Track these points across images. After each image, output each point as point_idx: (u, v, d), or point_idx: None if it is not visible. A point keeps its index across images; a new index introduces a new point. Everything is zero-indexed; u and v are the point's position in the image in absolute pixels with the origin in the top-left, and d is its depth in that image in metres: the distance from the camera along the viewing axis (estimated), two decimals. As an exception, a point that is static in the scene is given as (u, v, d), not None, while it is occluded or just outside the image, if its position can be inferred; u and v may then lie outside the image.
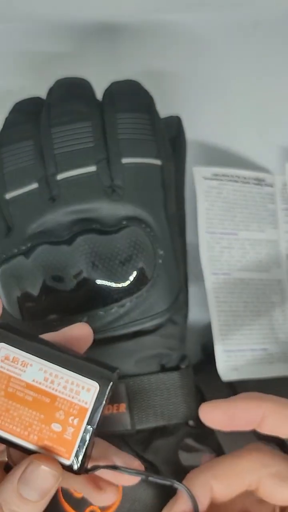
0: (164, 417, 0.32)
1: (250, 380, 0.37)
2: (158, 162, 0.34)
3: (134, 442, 0.33)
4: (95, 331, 0.32)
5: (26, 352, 0.25)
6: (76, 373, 0.25)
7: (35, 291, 0.32)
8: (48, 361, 0.25)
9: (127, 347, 0.33)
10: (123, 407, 0.32)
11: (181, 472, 0.32)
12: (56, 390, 0.25)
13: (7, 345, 0.25)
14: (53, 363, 0.25)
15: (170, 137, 0.40)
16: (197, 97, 0.46)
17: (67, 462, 0.25)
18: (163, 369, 0.34)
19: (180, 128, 0.41)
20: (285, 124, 0.46)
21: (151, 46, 0.47)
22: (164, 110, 0.38)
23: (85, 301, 0.32)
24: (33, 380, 0.25)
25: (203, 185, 0.40)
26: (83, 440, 0.25)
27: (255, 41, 0.48)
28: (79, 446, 0.25)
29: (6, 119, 0.37)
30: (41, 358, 0.25)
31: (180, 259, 0.35)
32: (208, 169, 0.41)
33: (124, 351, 0.33)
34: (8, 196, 0.34)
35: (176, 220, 0.36)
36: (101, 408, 0.25)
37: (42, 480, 0.24)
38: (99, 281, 0.32)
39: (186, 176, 0.40)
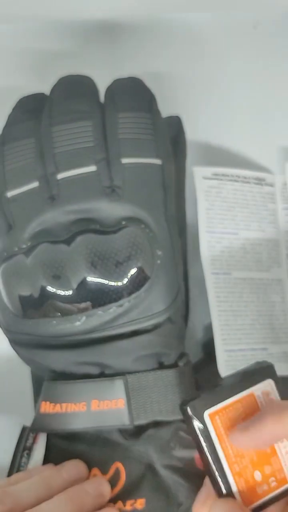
0: (162, 413, 0.32)
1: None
2: (158, 161, 0.34)
3: (126, 431, 0.33)
4: (93, 330, 0.32)
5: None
6: None
7: (35, 289, 0.32)
8: None
9: (125, 346, 0.33)
10: (121, 402, 0.32)
11: (172, 462, 0.32)
12: (279, 450, 0.28)
13: (273, 382, 0.28)
14: None
15: (171, 137, 0.40)
16: (197, 97, 0.46)
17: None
18: (161, 366, 0.34)
19: (180, 128, 0.41)
20: (285, 124, 0.46)
21: (151, 46, 0.47)
22: (164, 110, 0.38)
23: (83, 300, 0.32)
24: None
25: (203, 185, 0.41)
26: (266, 502, 0.27)
27: (255, 41, 0.48)
28: (261, 504, 0.27)
29: (9, 116, 0.37)
30: None
31: (179, 260, 0.35)
32: (208, 168, 0.41)
33: (122, 349, 0.33)
34: (10, 194, 0.34)
35: (176, 220, 0.36)
36: None
37: None
38: (97, 281, 0.32)
39: (186, 176, 0.41)
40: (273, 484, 0.27)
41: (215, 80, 0.47)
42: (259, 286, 0.40)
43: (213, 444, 0.27)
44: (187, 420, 0.27)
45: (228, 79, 0.47)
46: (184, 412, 0.27)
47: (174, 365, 0.34)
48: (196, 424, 0.27)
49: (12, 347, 0.35)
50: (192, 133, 0.42)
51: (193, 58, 0.47)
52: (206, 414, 0.27)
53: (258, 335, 0.39)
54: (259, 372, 0.29)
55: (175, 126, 0.41)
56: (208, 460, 0.27)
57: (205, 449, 0.27)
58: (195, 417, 0.27)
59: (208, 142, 0.45)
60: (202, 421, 0.27)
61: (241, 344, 0.38)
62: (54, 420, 0.32)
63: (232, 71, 0.47)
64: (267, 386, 0.28)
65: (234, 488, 0.27)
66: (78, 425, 0.32)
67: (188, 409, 0.27)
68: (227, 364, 0.38)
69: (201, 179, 0.41)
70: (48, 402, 0.33)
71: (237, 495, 0.27)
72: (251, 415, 0.27)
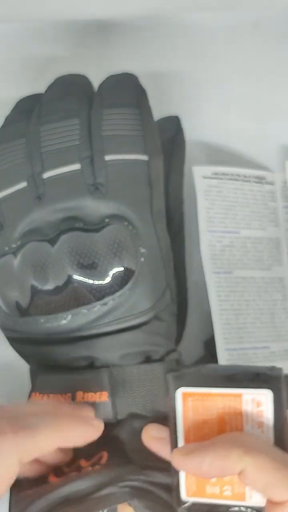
0: (146, 408, 0.32)
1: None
2: (144, 157, 0.34)
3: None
4: (79, 329, 0.32)
5: None
6: None
7: (23, 288, 0.33)
8: None
9: (111, 344, 0.32)
10: (105, 395, 0.32)
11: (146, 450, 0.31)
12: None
13: (272, 395, 0.25)
14: None
15: (169, 137, 0.40)
16: (196, 97, 0.46)
17: None
18: (148, 361, 0.34)
19: (179, 128, 0.41)
20: (285, 122, 0.46)
21: (151, 46, 0.47)
22: (163, 110, 0.38)
23: (68, 299, 0.32)
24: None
25: (203, 184, 0.41)
26: (210, 507, 0.26)
27: (255, 41, 0.48)
28: (202, 504, 0.26)
29: (6, 117, 0.37)
30: None
31: (168, 257, 0.35)
32: (208, 168, 0.41)
33: (108, 347, 0.33)
34: (0, 195, 0.35)
35: (164, 216, 0.35)
36: None
37: None
38: (81, 280, 0.32)
39: (186, 176, 0.41)
40: (226, 493, 0.25)
41: (214, 79, 0.47)
42: (260, 285, 0.40)
43: (176, 425, 0.25)
44: (166, 386, 0.26)
45: (227, 79, 0.47)
46: (165, 377, 0.26)
47: (160, 360, 0.34)
48: (171, 394, 0.25)
49: (10, 344, 0.36)
50: (192, 133, 0.42)
51: (193, 58, 0.47)
52: (180, 391, 0.25)
53: (259, 333, 0.39)
54: (264, 378, 0.25)
55: (174, 126, 0.41)
56: (172, 435, 0.25)
57: (171, 423, 0.25)
58: (170, 388, 0.25)
59: (208, 142, 0.45)
60: (173, 395, 0.25)
61: (242, 343, 0.38)
62: None
63: (232, 70, 0.47)
64: (262, 396, 0.25)
65: (182, 476, 0.25)
66: None
67: (168, 377, 0.25)
68: (228, 362, 0.38)
69: (201, 179, 0.41)
70: (37, 393, 0.33)
71: (182, 483, 0.26)
72: (229, 415, 0.25)
